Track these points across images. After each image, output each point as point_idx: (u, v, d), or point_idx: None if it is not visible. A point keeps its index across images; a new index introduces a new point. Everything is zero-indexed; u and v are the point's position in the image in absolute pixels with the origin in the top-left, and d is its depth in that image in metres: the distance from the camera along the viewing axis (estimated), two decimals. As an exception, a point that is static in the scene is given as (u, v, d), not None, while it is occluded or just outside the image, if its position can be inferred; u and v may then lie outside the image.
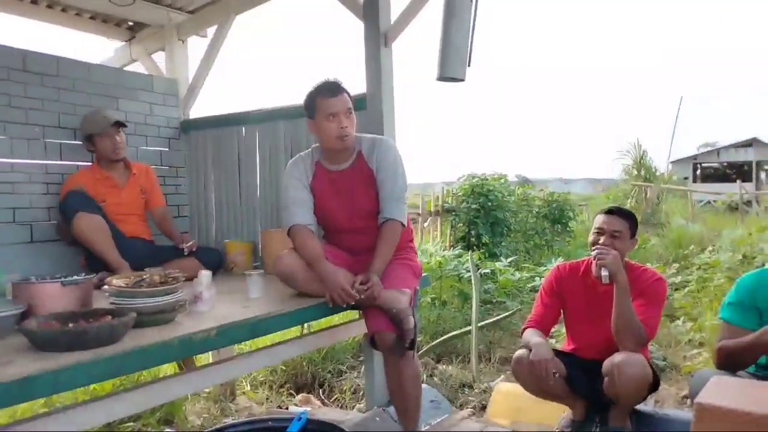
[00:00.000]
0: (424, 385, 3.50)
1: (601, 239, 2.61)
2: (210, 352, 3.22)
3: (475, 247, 7.95)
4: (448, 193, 8.94)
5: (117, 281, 2.05)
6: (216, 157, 3.96)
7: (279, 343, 2.69)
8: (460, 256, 6.43)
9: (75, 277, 2.04)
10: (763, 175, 35.59)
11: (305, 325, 3.38)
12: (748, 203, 17.48)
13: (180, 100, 4.12)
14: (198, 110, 4.22)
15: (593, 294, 2.69)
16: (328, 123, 2.45)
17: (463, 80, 3.08)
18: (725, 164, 36.82)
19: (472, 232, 8.36)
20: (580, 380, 2.68)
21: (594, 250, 2.56)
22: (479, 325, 4.29)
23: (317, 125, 2.49)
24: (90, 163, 3.44)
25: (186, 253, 3.24)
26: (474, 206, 8.42)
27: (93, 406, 1.81)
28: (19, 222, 3.25)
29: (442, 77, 3.04)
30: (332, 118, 2.44)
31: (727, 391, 1.74)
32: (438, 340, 4.38)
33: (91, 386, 2.75)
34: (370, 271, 2.37)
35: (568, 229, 10.64)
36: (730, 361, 2.16)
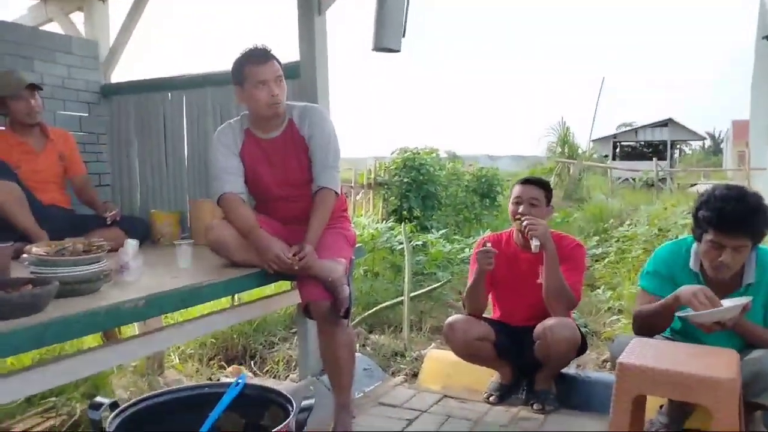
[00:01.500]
0: (357, 354, 3.55)
1: (520, 208, 2.73)
2: (136, 325, 3.12)
3: (407, 220, 8.03)
4: (380, 166, 8.96)
5: (37, 249, 1.94)
6: (140, 123, 3.79)
7: (209, 314, 2.64)
8: (392, 228, 6.47)
9: (-11, 246, 1.92)
10: (676, 153, 37.66)
11: (236, 296, 3.33)
12: (663, 180, 18.44)
13: (100, 64, 3.90)
14: (120, 74, 4.03)
15: (516, 263, 2.82)
16: (257, 91, 2.38)
17: (398, 51, 3.06)
18: (642, 143, 38.66)
19: (404, 206, 8.44)
20: (507, 346, 2.78)
21: (523, 221, 2.64)
22: (411, 295, 4.36)
23: (246, 93, 2.42)
24: (2, 128, 3.21)
25: (109, 223, 3.10)
26: (406, 180, 8.48)
27: (10, 380, 1.72)
28: None
29: (378, 47, 3.02)
30: (262, 86, 2.38)
31: (647, 352, 1.85)
32: (370, 311, 4.42)
33: (8, 360, 2.61)
34: (305, 241, 2.35)
35: (496, 203, 10.92)
36: (645, 326, 2.28)
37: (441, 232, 6.98)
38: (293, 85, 2.92)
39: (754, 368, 1.98)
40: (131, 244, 2.18)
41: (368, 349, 3.92)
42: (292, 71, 2.99)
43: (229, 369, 3.64)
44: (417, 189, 8.49)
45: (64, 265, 1.85)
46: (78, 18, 4.05)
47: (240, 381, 1.41)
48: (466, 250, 6.19)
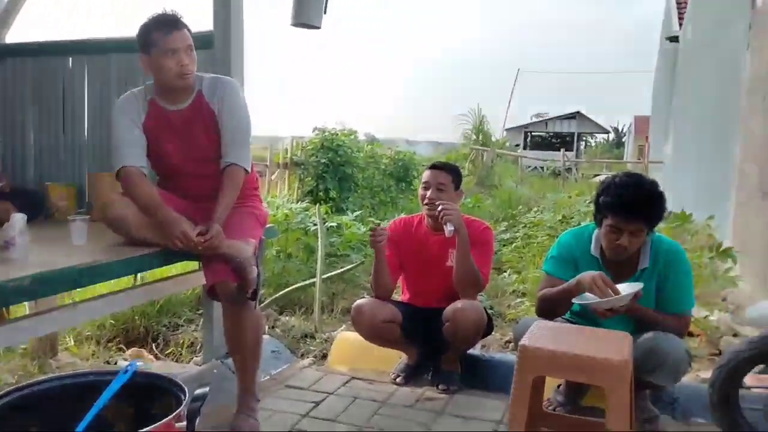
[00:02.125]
0: (265, 336, 3.48)
1: (429, 192, 2.76)
2: (27, 305, 2.91)
3: (322, 202, 7.96)
4: (297, 146, 8.82)
5: None
6: (36, 90, 3.50)
7: (108, 294, 2.50)
8: (307, 209, 6.39)
9: None
10: (582, 145, 39.54)
11: (138, 276, 3.18)
12: (569, 170, 19.32)
13: (-9, 21, 3.57)
14: (15, 35, 3.69)
15: (426, 246, 2.87)
16: (166, 60, 2.25)
17: (318, 28, 3.00)
18: (552, 134, 40.27)
19: (320, 187, 8.37)
20: (414, 327, 2.82)
21: (438, 205, 2.67)
22: (323, 277, 4.33)
23: (154, 62, 2.28)
24: None
25: (-3, 196, 2.87)
26: (323, 161, 8.41)
27: None
28: None
29: (297, 23, 2.95)
30: (171, 55, 2.24)
31: (546, 335, 1.92)
32: (281, 292, 4.36)
33: None
34: (212, 220, 2.26)
35: (411, 187, 11.05)
36: (547, 309, 2.38)
37: (356, 213, 6.97)
38: (206, 56, 2.78)
39: (645, 349, 2.11)
40: (18, 218, 2.02)
41: (278, 330, 3.87)
42: (204, 41, 2.85)
43: (129, 352, 3.48)
44: (334, 170, 8.44)
45: (-63, 240, 1.68)
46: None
47: (129, 368, 1.33)
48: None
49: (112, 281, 3.02)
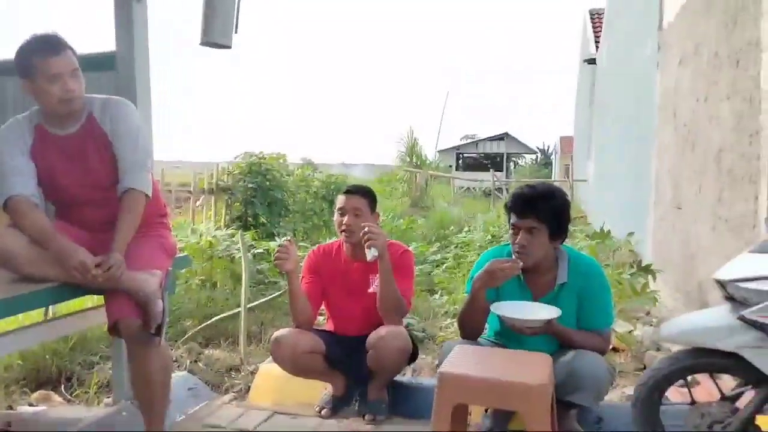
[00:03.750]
0: (182, 373, 3.31)
1: (345, 218, 2.71)
2: None
3: (252, 227, 7.76)
4: (223, 170, 8.59)
5: None
6: None
7: (12, 331, 2.30)
8: (233, 236, 6.19)
9: None
10: (512, 165, 40.67)
11: (50, 311, 2.95)
12: (499, 190, 19.75)
13: None
14: None
15: (347, 273, 2.79)
16: (49, 85, 2.10)
17: (229, 47, 2.90)
18: (482, 155, 41.24)
19: (249, 212, 8.15)
20: (339, 356, 2.71)
21: (364, 227, 2.58)
22: (250, 305, 4.16)
23: (36, 88, 2.12)
24: None
25: None
26: (251, 185, 8.20)
27: None
28: None
29: (207, 42, 2.84)
30: (54, 80, 2.10)
31: (466, 360, 1.86)
32: (205, 323, 4.17)
33: None
34: (111, 250, 2.10)
35: (345, 210, 10.96)
36: (466, 325, 2.37)
37: (284, 239, 6.81)
38: (109, 78, 2.65)
39: (565, 371, 2.09)
40: None
41: (201, 365, 3.68)
42: (107, 62, 2.72)
43: (35, 395, 3.21)
44: (263, 195, 8.24)
45: None
46: None
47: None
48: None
49: (20, 317, 2.81)
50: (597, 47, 13.34)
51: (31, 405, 3.12)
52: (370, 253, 2.54)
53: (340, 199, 2.77)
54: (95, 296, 2.67)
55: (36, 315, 2.71)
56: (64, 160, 2.22)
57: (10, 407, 3.11)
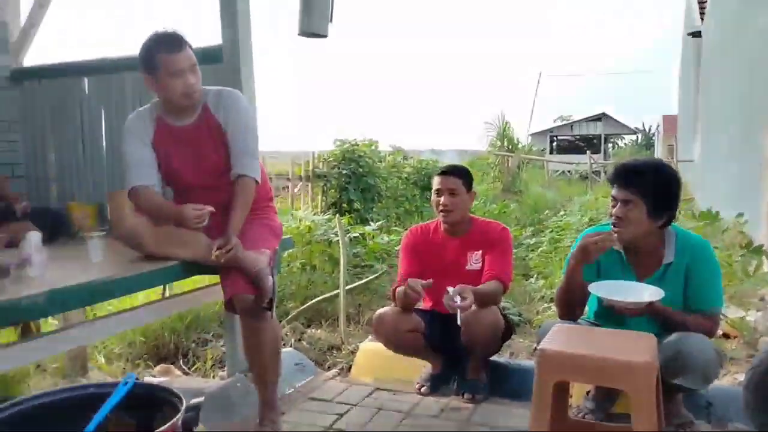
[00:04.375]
0: (288, 349, 3.48)
1: (442, 198, 2.74)
2: (57, 321, 2.95)
3: (346, 213, 7.95)
4: (319, 158, 8.84)
5: None
6: (55, 110, 3.57)
7: (133, 308, 2.51)
8: (330, 221, 6.38)
9: None
10: (610, 147, 38.94)
11: (167, 290, 3.19)
12: (597, 173, 19.02)
13: (10, 45, 3.64)
14: (34, 57, 3.77)
15: (444, 251, 2.82)
16: (172, 80, 2.25)
17: (325, 36, 2.99)
18: (578, 137, 39.76)
19: (344, 198, 8.36)
20: (438, 335, 2.76)
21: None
22: (347, 288, 4.30)
23: (159, 82, 2.28)
24: None
25: (19, 216, 2.91)
26: (345, 172, 8.40)
27: None
28: None
29: (304, 32, 2.94)
30: (176, 76, 2.25)
31: (566, 338, 1.85)
32: (306, 305, 4.34)
33: None
34: (227, 233, 2.25)
35: (436, 195, 10.96)
36: (563, 304, 2.34)
37: (378, 223, 6.94)
38: (215, 71, 2.79)
39: (670, 352, 2.03)
40: (34, 235, 2.04)
41: (304, 343, 3.85)
42: (213, 56, 2.87)
43: (157, 368, 3.49)
44: (356, 181, 8.42)
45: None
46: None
47: (128, 380, 1.32)
48: (402, 239, 6.18)
49: (141, 296, 3.06)
50: (702, 19, 12.48)
51: (153, 377, 3.40)
52: (459, 320, 2.51)
53: (437, 180, 2.80)
54: (206, 276, 2.88)
55: (156, 295, 2.93)
56: (182, 148, 2.38)
57: (137, 379, 3.40)
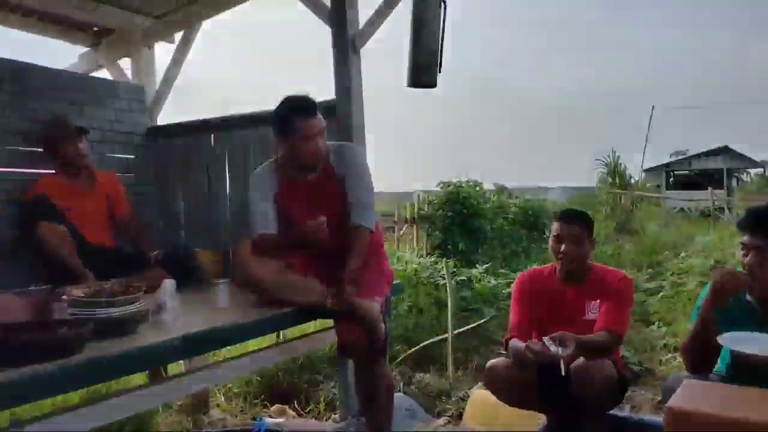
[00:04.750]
0: (399, 394, 3.48)
1: (563, 246, 2.62)
2: (183, 364, 3.13)
3: (451, 255, 7.92)
4: (424, 200, 8.93)
5: (76, 291, 1.97)
6: (184, 164, 3.89)
7: (250, 353, 2.63)
8: (436, 263, 6.38)
9: (30, 288, 1.96)
10: (734, 182, 36.28)
11: (281, 334, 3.32)
12: (720, 209, 17.78)
13: (146, 107, 4.04)
14: (165, 117, 4.15)
15: (560, 299, 2.69)
16: (304, 144, 2.39)
17: (434, 86, 3.05)
18: (696, 172, 37.44)
19: (448, 240, 8.35)
20: (552, 388, 2.65)
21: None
22: (455, 332, 4.26)
23: (290, 144, 2.42)
24: (52, 171, 3.34)
25: (152, 262, 3.16)
26: (449, 214, 8.41)
27: (57, 419, 1.73)
28: (-20, 231, 3.13)
29: (414, 83, 3.01)
30: (308, 141, 2.39)
31: (697, 395, 1.72)
32: (413, 349, 4.34)
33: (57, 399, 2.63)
34: (344, 281, 2.32)
35: (544, 236, 10.67)
36: (691, 357, 2.17)
37: (485, 266, 6.84)
38: (329, 124, 2.92)
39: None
40: (169, 283, 2.20)
41: (412, 388, 3.83)
42: (327, 110, 3.01)
43: (273, 408, 3.60)
44: (461, 223, 8.40)
45: (100, 307, 1.87)
46: (126, 64, 4.23)
47: (261, 427, 1.38)
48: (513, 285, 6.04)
49: (256, 340, 3.21)
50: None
51: (270, 417, 3.52)
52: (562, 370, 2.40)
53: (557, 226, 2.69)
54: (318, 321, 2.96)
55: (269, 339, 3.05)
56: (303, 201, 2.51)
57: (254, 418, 3.54)
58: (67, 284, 2.72)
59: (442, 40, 2.97)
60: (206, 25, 3.98)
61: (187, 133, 3.88)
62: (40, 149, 3.35)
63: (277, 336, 3.25)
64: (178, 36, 4.09)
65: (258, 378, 3.86)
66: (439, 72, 2.98)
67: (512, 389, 2.61)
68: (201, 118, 3.87)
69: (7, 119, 3.29)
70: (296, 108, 2.41)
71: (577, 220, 2.67)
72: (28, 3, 3.75)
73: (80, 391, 2.61)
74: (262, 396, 3.79)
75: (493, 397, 2.80)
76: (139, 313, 1.97)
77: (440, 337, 4.39)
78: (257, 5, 4.01)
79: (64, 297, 1.98)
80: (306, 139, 2.38)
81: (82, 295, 1.94)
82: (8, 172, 3.30)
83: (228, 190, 3.70)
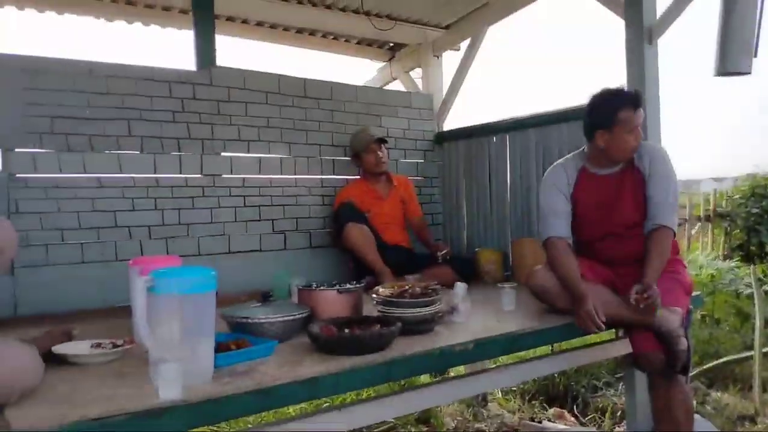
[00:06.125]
0: (695, 415, 3.17)
1: None
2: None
3: (756, 258, 6.90)
4: (721, 195, 7.90)
5: (383, 290, 2.21)
6: (467, 166, 4.06)
7: (530, 360, 2.65)
8: (737, 268, 5.63)
9: (349, 286, 2.26)
10: None
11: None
12: None
13: (434, 114, 4.31)
14: (451, 122, 4.38)
15: None
16: (627, 136, 2.32)
17: (749, 73, 2.69)
18: None
19: (753, 241, 7.26)
20: None
21: None
22: (764, 350, 3.72)
23: (614, 137, 2.34)
24: (357, 177, 3.78)
25: (440, 261, 3.37)
26: (755, 210, 7.31)
27: (353, 410, 1.92)
28: (301, 230, 3.69)
29: (722, 72, 2.69)
30: (633, 131, 2.32)
31: None
32: (711, 364, 3.92)
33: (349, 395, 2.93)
34: (645, 281, 2.16)
35: None
36: None
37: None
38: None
39: None
40: (461, 287, 2.33)
41: (708, 407, 3.47)
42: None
43: (551, 411, 3.59)
44: (769, 221, 7.25)
45: (405, 307, 2.07)
46: (415, 74, 4.57)
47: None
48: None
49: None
50: None
51: (548, 420, 3.50)
52: None
53: None
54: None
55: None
56: (600, 198, 2.43)
57: (531, 419, 3.56)
58: (366, 277, 3.08)
59: (761, 22, 2.61)
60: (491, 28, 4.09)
61: (470, 136, 4.03)
62: (347, 158, 3.82)
63: (552, 345, 3.19)
64: (465, 43, 4.28)
65: (534, 379, 3.87)
66: (755, 57, 2.63)
67: None
68: (483, 122, 4.00)
69: (322, 133, 3.79)
70: (624, 99, 2.34)
71: None
72: (332, 29, 4.26)
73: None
74: (538, 396, 3.79)
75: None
76: (436, 314, 2.14)
77: (744, 354, 3.87)
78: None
79: (373, 295, 2.24)
80: (630, 131, 2.31)
81: (390, 294, 2.16)
82: (323, 179, 3.81)
83: (508, 191, 3.77)
